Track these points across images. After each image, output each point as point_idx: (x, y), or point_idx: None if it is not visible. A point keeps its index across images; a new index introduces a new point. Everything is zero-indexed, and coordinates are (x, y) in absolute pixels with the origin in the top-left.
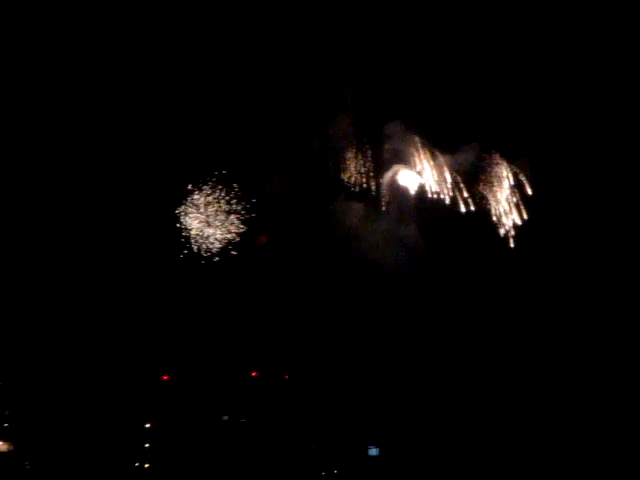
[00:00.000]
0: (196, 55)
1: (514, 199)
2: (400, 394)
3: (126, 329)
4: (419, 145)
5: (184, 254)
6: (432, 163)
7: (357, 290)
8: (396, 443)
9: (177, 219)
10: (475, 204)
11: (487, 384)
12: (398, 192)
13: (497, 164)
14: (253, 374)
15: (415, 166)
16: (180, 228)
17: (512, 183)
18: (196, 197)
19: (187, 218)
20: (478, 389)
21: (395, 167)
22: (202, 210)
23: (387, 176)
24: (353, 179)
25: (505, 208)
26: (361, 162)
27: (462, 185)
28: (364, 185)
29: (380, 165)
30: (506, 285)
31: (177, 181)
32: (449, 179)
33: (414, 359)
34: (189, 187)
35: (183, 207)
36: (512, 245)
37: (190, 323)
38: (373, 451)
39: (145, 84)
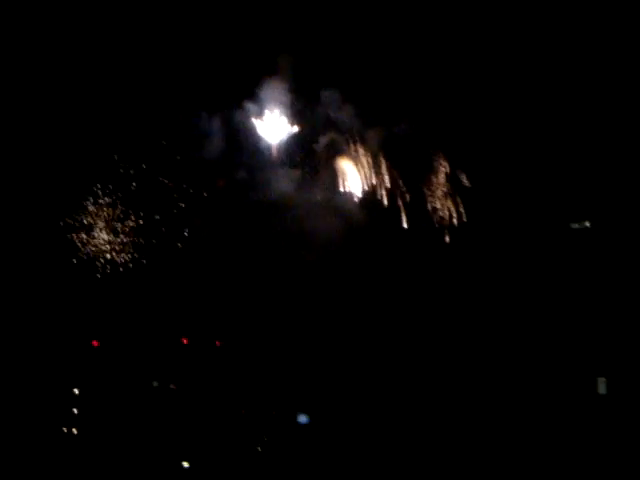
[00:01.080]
0: None
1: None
2: (332, 363)
3: (56, 293)
4: (353, 116)
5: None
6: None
7: (291, 258)
8: (326, 412)
9: None
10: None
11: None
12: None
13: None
14: (184, 341)
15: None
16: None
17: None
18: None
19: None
20: (407, 357)
21: (330, 135)
22: None
23: (322, 143)
24: (287, 146)
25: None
26: (296, 128)
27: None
28: (299, 153)
29: (315, 132)
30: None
31: None
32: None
33: (347, 327)
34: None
35: None
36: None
37: (120, 288)
38: (302, 419)
39: None
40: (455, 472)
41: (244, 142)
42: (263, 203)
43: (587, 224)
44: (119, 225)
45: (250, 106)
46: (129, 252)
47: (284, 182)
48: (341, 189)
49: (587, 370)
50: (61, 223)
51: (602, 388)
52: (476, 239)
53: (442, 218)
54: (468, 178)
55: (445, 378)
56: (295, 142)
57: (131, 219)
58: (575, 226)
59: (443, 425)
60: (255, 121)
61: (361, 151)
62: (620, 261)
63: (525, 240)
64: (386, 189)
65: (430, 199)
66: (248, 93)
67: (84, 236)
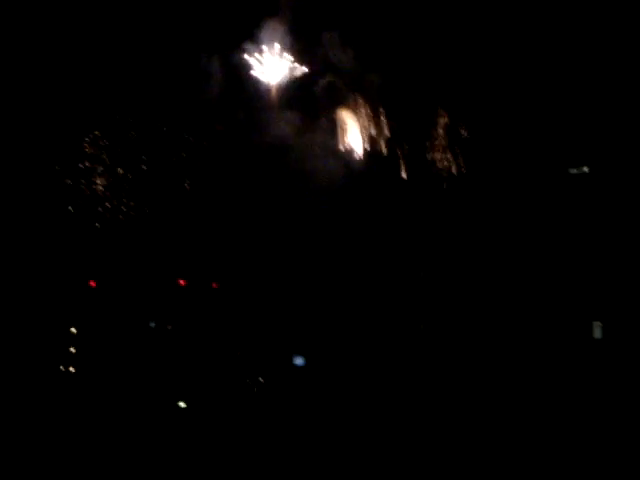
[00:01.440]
0: None
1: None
2: (328, 306)
3: (54, 235)
4: (353, 59)
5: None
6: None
7: (292, 201)
8: (321, 355)
9: None
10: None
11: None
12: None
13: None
14: (181, 282)
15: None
16: None
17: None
18: None
19: None
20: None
21: (329, 78)
22: None
23: (321, 86)
24: (287, 88)
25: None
26: (295, 70)
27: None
28: (298, 94)
29: (315, 74)
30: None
31: None
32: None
33: (343, 274)
34: None
35: None
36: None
37: (120, 231)
38: (298, 361)
39: None
40: (448, 422)
41: (244, 83)
42: (263, 145)
43: (585, 169)
44: (119, 170)
45: (250, 47)
46: (128, 197)
47: (284, 125)
48: (340, 138)
49: (583, 314)
50: (59, 167)
51: (598, 332)
52: (475, 188)
53: (441, 169)
54: (466, 129)
55: (440, 320)
56: (294, 84)
57: (131, 164)
58: (574, 171)
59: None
60: (254, 62)
61: (360, 100)
62: (618, 207)
63: (524, 186)
64: (385, 139)
65: (429, 150)
66: (248, 34)
67: (83, 180)
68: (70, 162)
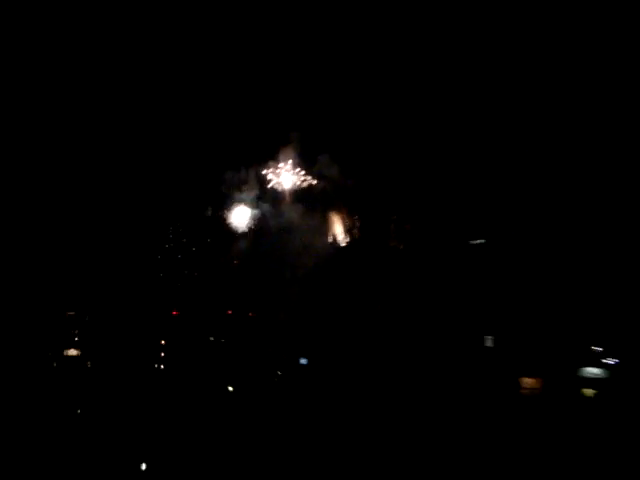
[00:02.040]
0: None
1: None
2: (322, 326)
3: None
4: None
5: None
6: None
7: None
8: (319, 357)
9: None
10: None
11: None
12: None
13: None
14: (229, 312)
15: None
16: None
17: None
18: None
19: None
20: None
21: (322, 186)
22: None
23: (317, 192)
24: (295, 192)
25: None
26: (301, 180)
27: None
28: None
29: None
30: None
31: None
32: None
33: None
34: None
35: None
36: None
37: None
38: (303, 361)
39: None
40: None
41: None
42: (278, 227)
43: (482, 241)
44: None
45: (271, 165)
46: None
47: (293, 215)
48: (329, 227)
49: (477, 330)
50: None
51: (489, 342)
52: (412, 257)
53: (392, 247)
54: (408, 225)
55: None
56: (301, 190)
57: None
58: (476, 242)
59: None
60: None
61: (341, 203)
62: (506, 268)
63: (441, 254)
64: (356, 229)
65: (384, 237)
66: (270, 157)
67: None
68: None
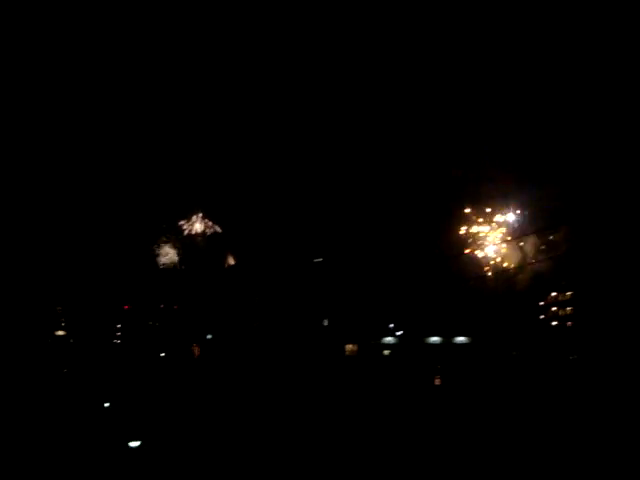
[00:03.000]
0: None
1: None
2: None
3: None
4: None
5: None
6: None
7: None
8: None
9: None
10: None
11: None
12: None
13: None
14: (161, 306)
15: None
16: None
17: None
18: None
19: None
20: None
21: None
22: None
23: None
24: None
25: None
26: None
27: None
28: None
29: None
30: None
31: None
32: None
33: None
34: None
35: None
36: None
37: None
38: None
39: None
40: None
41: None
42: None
43: (321, 259)
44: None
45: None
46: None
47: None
48: None
49: (318, 315)
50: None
51: (325, 323)
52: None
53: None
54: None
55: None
56: (201, 231)
57: None
58: (317, 260)
59: None
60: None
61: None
62: (336, 277)
63: (296, 269)
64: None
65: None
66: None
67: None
68: None
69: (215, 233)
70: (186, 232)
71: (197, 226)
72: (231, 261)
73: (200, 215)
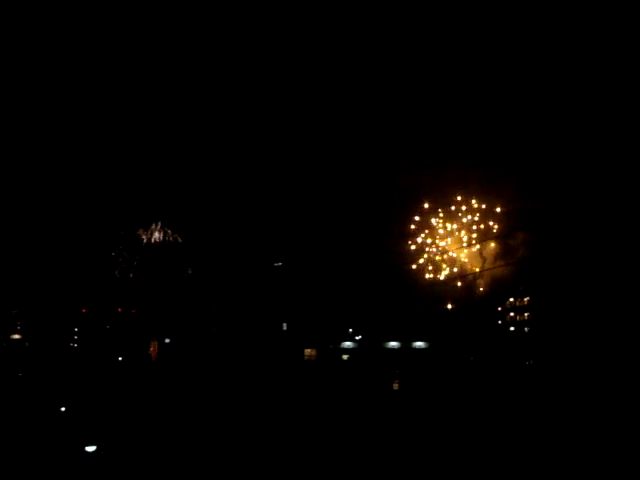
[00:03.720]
0: None
1: None
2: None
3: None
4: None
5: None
6: None
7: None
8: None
9: None
10: None
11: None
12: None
13: None
14: (128, 310)
15: None
16: None
17: None
18: None
19: None
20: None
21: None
22: None
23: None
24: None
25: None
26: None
27: None
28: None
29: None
30: None
31: None
32: None
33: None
34: None
35: None
36: None
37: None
38: (167, 340)
39: None
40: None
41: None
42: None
43: (280, 264)
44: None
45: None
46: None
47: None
48: None
49: (278, 320)
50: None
51: (284, 327)
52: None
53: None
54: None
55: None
56: (162, 238)
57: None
58: (276, 264)
59: None
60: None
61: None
62: (296, 282)
63: (256, 273)
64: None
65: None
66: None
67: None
68: None
69: (174, 238)
70: (145, 237)
71: (156, 233)
72: (191, 266)
73: (159, 222)
